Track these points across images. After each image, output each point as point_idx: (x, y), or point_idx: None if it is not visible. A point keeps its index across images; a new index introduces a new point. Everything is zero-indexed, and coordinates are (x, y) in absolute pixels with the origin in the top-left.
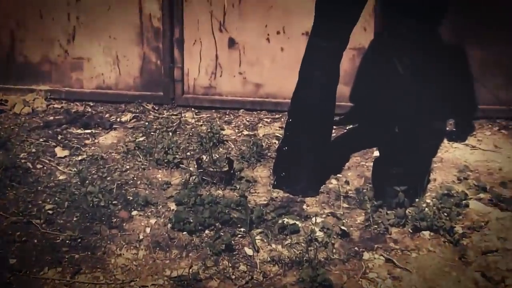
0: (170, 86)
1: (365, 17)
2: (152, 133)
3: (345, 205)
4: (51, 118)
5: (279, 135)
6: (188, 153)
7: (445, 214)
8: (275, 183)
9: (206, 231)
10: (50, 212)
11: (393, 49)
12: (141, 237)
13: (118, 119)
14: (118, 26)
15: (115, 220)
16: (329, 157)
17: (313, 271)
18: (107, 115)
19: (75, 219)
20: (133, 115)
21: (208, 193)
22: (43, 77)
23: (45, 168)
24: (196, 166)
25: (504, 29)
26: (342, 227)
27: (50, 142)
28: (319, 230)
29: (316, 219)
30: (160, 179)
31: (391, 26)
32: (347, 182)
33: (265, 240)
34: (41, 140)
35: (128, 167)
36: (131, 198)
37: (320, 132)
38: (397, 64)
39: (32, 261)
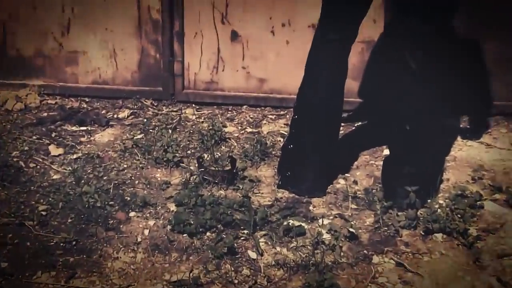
0: (170, 81)
1: (375, 8)
2: (151, 131)
3: (354, 206)
4: (45, 114)
5: (284, 133)
6: (189, 152)
7: (459, 215)
8: (280, 183)
9: (208, 233)
10: (44, 213)
11: (404, 43)
12: (139, 239)
13: (115, 116)
14: (115, 18)
15: (111, 221)
16: (336, 155)
17: (319, 276)
18: (103, 112)
19: (69, 220)
20: (131, 111)
21: (209, 194)
22: (36, 72)
23: (38, 167)
24: (197, 165)
25: None
26: (350, 229)
27: (43, 139)
28: (326, 232)
29: (323, 221)
30: (159, 179)
31: (402, 19)
32: (355, 182)
33: (269, 243)
34: (34, 137)
35: (125, 166)
36: (128, 198)
37: (327, 129)
38: (408, 58)
39: (24, 264)
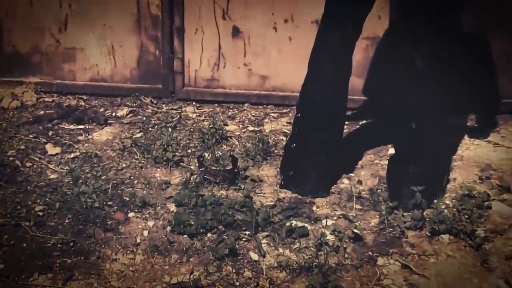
0: (170, 78)
1: (380, 3)
2: (150, 129)
3: (358, 206)
4: (42, 112)
5: (286, 131)
6: (189, 151)
7: (466, 216)
8: (282, 182)
9: (208, 235)
10: (40, 213)
11: (410, 39)
12: (138, 240)
13: (114, 114)
14: (114, 13)
15: (110, 222)
16: (340, 155)
17: (323, 278)
18: (101, 110)
19: (67, 221)
20: (130, 109)
21: (210, 194)
22: (33, 69)
23: (35, 166)
24: (197, 164)
25: None
26: (355, 230)
27: (40, 138)
28: (330, 234)
29: (326, 222)
30: (158, 179)
31: (408, 15)
32: (360, 182)
33: (271, 244)
34: (30, 136)
35: (124, 165)
36: (127, 198)
37: (331, 128)
38: (414, 55)
39: (21, 266)
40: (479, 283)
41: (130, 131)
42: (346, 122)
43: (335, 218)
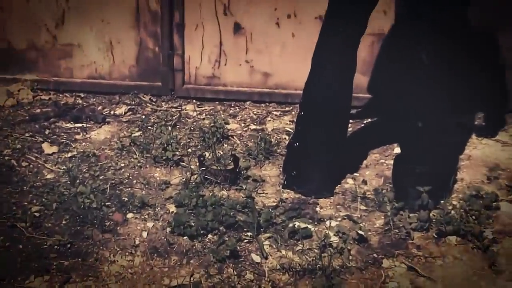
0: (169, 75)
1: None
2: (150, 128)
3: (363, 207)
4: (38, 110)
5: (289, 130)
6: (189, 150)
7: (474, 217)
8: (285, 182)
9: (209, 236)
10: (37, 214)
11: (416, 35)
12: (137, 242)
13: (112, 112)
14: (112, 9)
15: (108, 223)
16: (345, 154)
17: (327, 280)
18: (99, 108)
19: (64, 222)
20: (129, 107)
21: (211, 194)
22: (29, 66)
23: (31, 166)
24: (198, 164)
25: None
26: (359, 232)
27: (36, 137)
28: (334, 235)
29: (330, 223)
30: (158, 178)
31: (414, 10)
32: (364, 182)
33: (274, 246)
34: (27, 135)
35: (123, 165)
36: (126, 199)
37: (335, 126)
38: (420, 52)
39: (16, 268)
40: (487, 286)
41: (129, 130)
42: (351, 121)
43: (339, 219)
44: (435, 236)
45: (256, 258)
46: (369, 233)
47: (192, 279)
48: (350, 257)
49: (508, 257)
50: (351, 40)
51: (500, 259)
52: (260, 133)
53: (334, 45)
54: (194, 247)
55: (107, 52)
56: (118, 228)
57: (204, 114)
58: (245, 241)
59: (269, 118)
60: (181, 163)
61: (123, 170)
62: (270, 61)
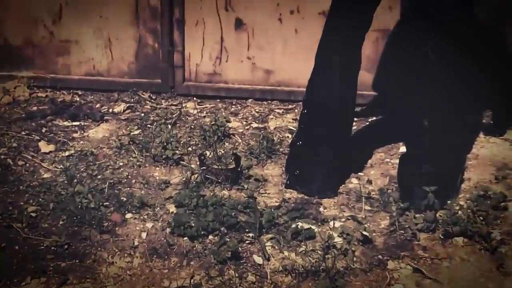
0: (169, 72)
1: None
2: (149, 126)
3: (367, 207)
4: (35, 108)
5: (292, 128)
6: (190, 149)
7: (481, 218)
8: (288, 182)
9: (210, 237)
10: (33, 214)
11: (422, 32)
12: (136, 243)
13: (110, 110)
14: (111, 4)
15: (106, 224)
16: (349, 153)
17: (330, 282)
18: (97, 105)
19: (61, 222)
20: (127, 105)
21: (212, 194)
22: (25, 62)
23: (27, 165)
24: (198, 163)
25: None
26: (364, 233)
27: (33, 135)
28: (338, 236)
29: (334, 223)
30: (157, 178)
31: (420, 5)
32: (369, 182)
33: (276, 247)
34: (23, 133)
35: (121, 164)
36: (125, 199)
37: (339, 124)
38: (427, 48)
39: (12, 270)
40: None
41: (128, 128)
42: (355, 119)
43: (343, 219)
44: (442, 237)
45: (258, 259)
46: (374, 234)
47: (192, 281)
48: (355, 259)
49: None
50: (355, 37)
51: (508, 261)
52: (262, 132)
53: (338, 42)
54: (194, 248)
55: (106, 48)
56: (117, 228)
57: (204, 112)
58: (247, 242)
59: (271, 116)
60: (181, 162)
61: (121, 169)
62: (272, 58)
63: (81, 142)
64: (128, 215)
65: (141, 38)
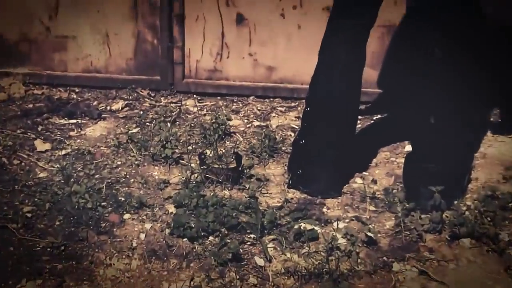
0: (169, 69)
1: None
2: (148, 124)
3: (372, 208)
4: (30, 106)
5: (295, 126)
6: (190, 147)
7: (489, 218)
8: (290, 182)
9: (210, 238)
10: (29, 215)
11: (429, 27)
12: (134, 244)
13: (108, 108)
14: None
15: (104, 224)
16: (353, 152)
17: (334, 285)
18: (95, 103)
19: (57, 223)
20: (126, 102)
21: (212, 194)
22: (21, 59)
23: (23, 164)
24: (198, 162)
25: None
26: (369, 234)
27: (29, 134)
28: (342, 237)
29: (338, 224)
30: (156, 177)
31: (425, 5)
32: (374, 181)
33: (278, 249)
34: (18, 131)
35: (119, 163)
36: (122, 199)
37: (343, 123)
38: (433, 44)
39: (7, 272)
40: None
41: (126, 126)
42: (359, 117)
43: (347, 220)
44: (448, 238)
45: (260, 261)
46: (379, 235)
47: (192, 283)
48: (359, 261)
49: None
50: (360, 32)
51: None
52: (264, 130)
53: (342, 38)
54: (194, 250)
55: (103, 44)
56: (115, 229)
57: (205, 110)
58: (248, 243)
59: (273, 114)
60: (180, 161)
61: (119, 168)
62: (274, 54)
63: (78, 140)
64: (126, 216)
65: (140, 34)
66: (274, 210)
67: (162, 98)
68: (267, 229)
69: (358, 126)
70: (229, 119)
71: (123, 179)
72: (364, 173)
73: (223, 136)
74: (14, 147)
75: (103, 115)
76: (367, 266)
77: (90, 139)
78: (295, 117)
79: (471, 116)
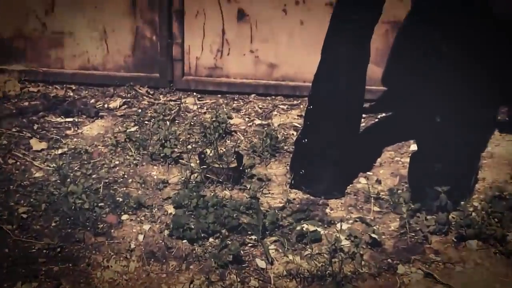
0: (168, 66)
1: None
2: (146, 122)
3: (376, 208)
4: (26, 104)
5: (297, 125)
6: (189, 147)
7: (496, 220)
8: (292, 182)
9: (210, 239)
10: (24, 216)
11: (434, 23)
12: (132, 246)
13: (106, 106)
14: None
15: (101, 225)
16: (357, 151)
17: (337, 287)
18: (92, 101)
19: (54, 224)
20: (124, 100)
21: (212, 194)
22: (16, 55)
23: (18, 163)
24: (198, 161)
25: None
26: (373, 235)
27: (24, 132)
28: (345, 239)
29: (341, 226)
30: (155, 177)
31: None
32: (378, 182)
33: (280, 250)
34: (13, 130)
35: (117, 162)
36: (120, 199)
37: (347, 121)
38: (439, 41)
39: (2, 274)
40: None
41: (124, 125)
42: (363, 115)
43: (350, 221)
44: (455, 240)
45: (261, 263)
46: (383, 236)
47: (191, 286)
48: (363, 263)
49: None
50: (364, 29)
51: None
52: (265, 129)
53: (346, 35)
54: (194, 252)
55: (101, 41)
56: (112, 230)
57: (205, 108)
58: (249, 245)
59: (275, 113)
60: (180, 160)
61: (117, 168)
62: (276, 51)
63: (75, 139)
64: (124, 217)
65: (138, 30)
66: (276, 211)
67: (161, 96)
68: (269, 231)
69: (362, 124)
70: (230, 118)
71: (121, 179)
72: (368, 173)
73: (224, 135)
74: (9, 146)
75: (100, 113)
76: (371, 268)
77: (87, 138)
78: (298, 115)
79: (478, 115)
